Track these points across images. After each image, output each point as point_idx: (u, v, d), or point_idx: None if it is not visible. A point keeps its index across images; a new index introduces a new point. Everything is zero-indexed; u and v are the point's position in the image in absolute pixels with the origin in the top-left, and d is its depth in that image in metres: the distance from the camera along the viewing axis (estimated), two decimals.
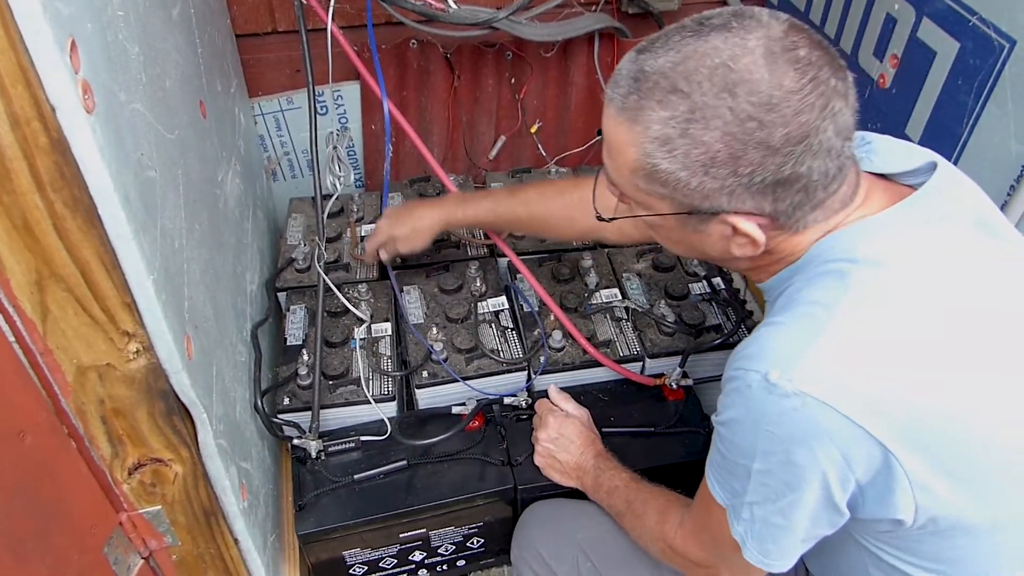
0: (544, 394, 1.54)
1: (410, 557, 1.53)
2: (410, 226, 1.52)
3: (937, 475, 0.81)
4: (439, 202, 1.52)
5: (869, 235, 0.85)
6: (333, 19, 1.43)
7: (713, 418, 0.93)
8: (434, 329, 1.55)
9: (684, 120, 0.78)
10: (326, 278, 1.50)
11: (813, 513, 0.86)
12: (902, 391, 0.79)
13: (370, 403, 1.47)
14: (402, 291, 1.67)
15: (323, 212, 1.50)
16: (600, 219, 0.99)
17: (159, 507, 1.04)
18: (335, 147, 1.55)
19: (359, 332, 1.56)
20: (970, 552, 0.89)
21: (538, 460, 1.42)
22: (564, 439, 1.40)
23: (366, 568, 1.51)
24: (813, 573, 1.18)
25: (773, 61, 0.76)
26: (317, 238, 1.53)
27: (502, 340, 1.58)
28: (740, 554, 0.93)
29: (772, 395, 0.80)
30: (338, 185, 1.61)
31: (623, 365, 1.55)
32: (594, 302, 1.65)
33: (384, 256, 1.58)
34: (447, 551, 1.55)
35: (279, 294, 1.69)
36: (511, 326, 1.61)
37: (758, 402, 0.82)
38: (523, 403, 1.53)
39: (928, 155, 0.94)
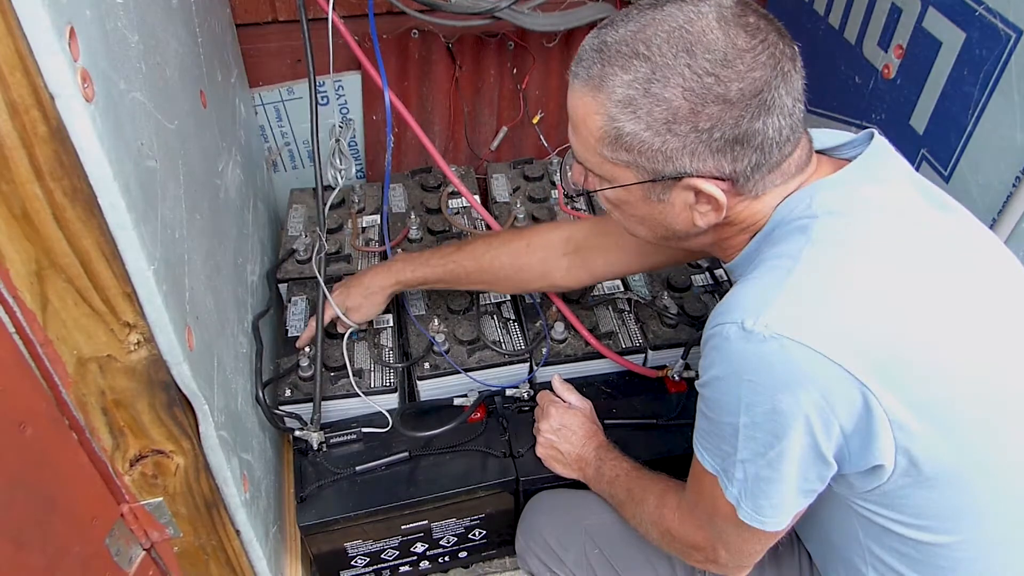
0: (546, 386, 1.53)
1: (412, 549, 1.53)
2: (361, 296, 1.50)
3: (910, 410, 0.82)
4: (387, 266, 1.49)
5: (823, 191, 0.89)
6: (334, 8, 1.42)
7: (696, 384, 0.95)
8: (436, 321, 1.55)
9: (645, 80, 0.83)
10: (323, 284, 1.49)
11: (801, 463, 0.87)
12: (871, 326, 0.82)
13: (372, 395, 1.47)
14: None
15: (324, 203, 1.49)
16: (568, 196, 1.04)
17: (160, 498, 1.04)
18: (337, 140, 1.54)
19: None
20: (958, 505, 0.89)
21: (540, 451, 1.42)
22: (566, 430, 1.39)
23: (368, 559, 1.50)
24: (807, 546, 1.19)
25: (726, 24, 0.82)
26: (318, 229, 1.52)
27: (504, 332, 1.57)
28: (735, 523, 0.95)
29: (750, 343, 0.82)
30: (340, 179, 1.60)
31: (625, 357, 1.55)
32: (596, 294, 1.65)
33: (340, 329, 1.54)
34: (449, 543, 1.55)
35: (280, 285, 1.69)
36: (513, 317, 1.60)
37: (737, 352, 0.84)
38: (525, 395, 1.53)
39: (863, 132, 0.99)
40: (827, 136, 1.00)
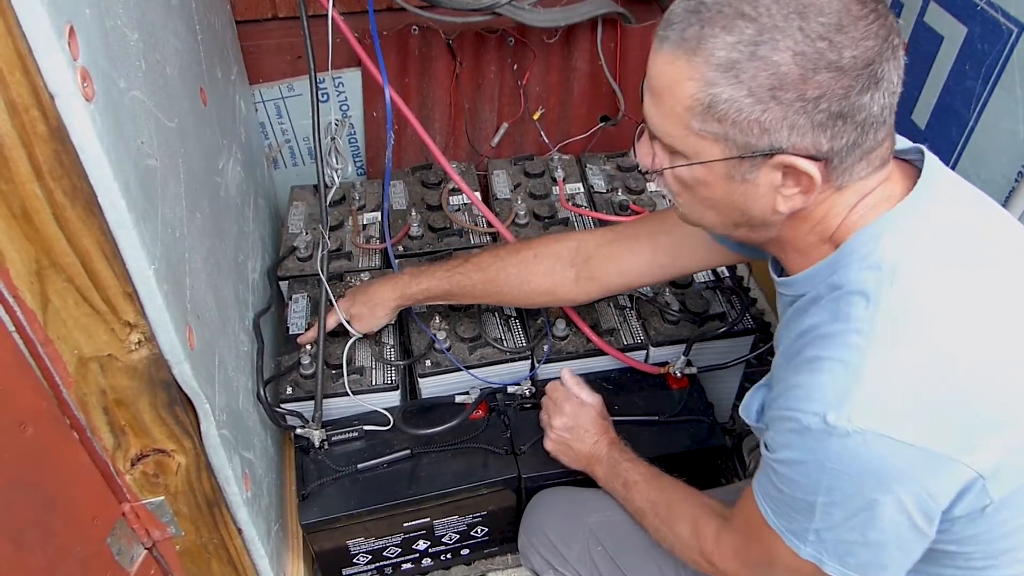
0: (548, 382, 1.53)
1: (414, 546, 1.53)
2: (365, 306, 1.48)
3: (1006, 462, 0.79)
4: (393, 279, 1.47)
5: (889, 232, 0.84)
6: (334, 5, 1.41)
7: (765, 453, 0.91)
8: (437, 318, 1.55)
9: (751, 43, 0.76)
10: (324, 281, 1.49)
11: (893, 532, 0.84)
12: (955, 395, 0.79)
13: (373, 392, 1.47)
14: None
15: (326, 200, 1.49)
16: (641, 173, 0.97)
17: (162, 497, 1.04)
18: (334, 138, 1.54)
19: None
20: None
21: (550, 446, 1.41)
22: (579, 428, 1.38)
23: (370, 557, 1.50)
24: None
25: None
26: (320, 226, 1.52)
27: (505, 329, 1.57)
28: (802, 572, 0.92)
29: (834, 436, 0.79)
30: (336, 177, 1.59)
31: (627, 353, 1.54)
32: None
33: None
34: (451, 540, 1.55)
35: (281, 283, 1.69)
36: (514, 315, 1.60)
37: (821, 444, 0.81)
38: (527, 392, 1.53)
39: (904, 140, 0.94)
40: None
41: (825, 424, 0.79)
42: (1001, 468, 0.79)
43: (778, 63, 0.76)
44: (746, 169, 0.83)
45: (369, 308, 1.47)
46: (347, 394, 1.46)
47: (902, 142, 0.93)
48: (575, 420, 1.38)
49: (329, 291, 1.44)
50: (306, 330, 1.56)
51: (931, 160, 0.90)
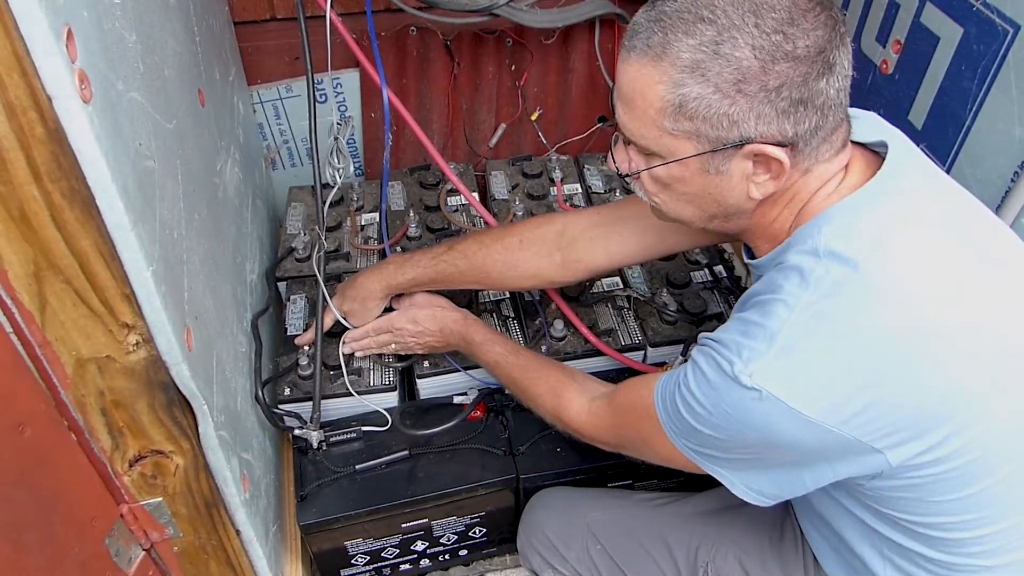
0: None
1: (412, 547, 1.53)
2: (357, 300, 1.47)
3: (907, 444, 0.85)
4: (378, 271, 1.47)
5: (831, 223, 0.89)
6: (332, 6, 1.41)
7: (684, 365, 0.97)
8: None
9: (712, 43, 0.82)
10: (322, 282, 1.49)
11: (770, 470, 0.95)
12: (858, 374, 0.83)
13: (371, 393, 1.47)
14: None
15: (324, 201, 1.49)
16: (619, 175, 1.01)
17: (160, 499, 1.04)
18: (336, 138, 1.54)
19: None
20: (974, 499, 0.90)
21: (422, 350, 1.48)
22: (439, 313, 1.45)
23: (368, 558, 1.51)
24: (805, 532, 1.21)
25: None
26: (318, 227, 1.52)
27: (503, 329, 1.57)
28: (657, 454, 1.05)
29: (736, 385, 0.86)
30: (338, 177, 1.59)
31: (625, 354, 1.54)
32: (595, 291, 1.65)
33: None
34: (449, 541, 1.55)
35: (279, 283, 1.69)
36: (512, 315, 1.60)
37: (726, 387, 0.87)
38: None
39: (878, 132, 0.99)
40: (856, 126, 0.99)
41: (733, 372, 0.86)
42: (905, 464, 0.86)
43: (740, 58, 0.82)
44: (719, 161, 0.89)
45: (360, 303, 1.47)
46: (345, 395, 1.46)
47: (872, 133, 0.99)
48: (432, 315, 1.45)
49: (326, 292, 1.45)
50: (303, 332, 1.56)
51: (895, 153, 0.94)
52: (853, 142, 0.96)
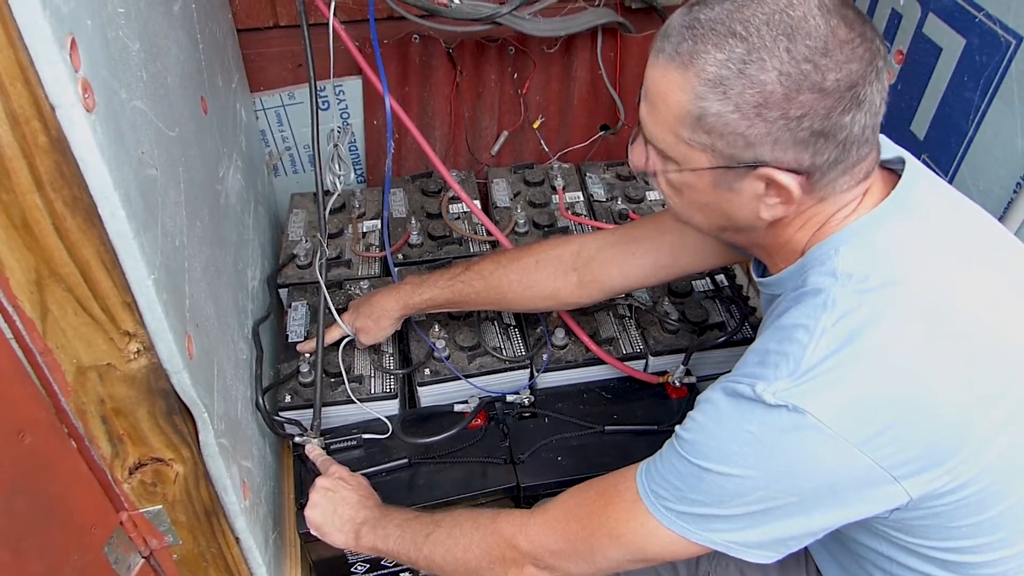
0: (548, 391, 1.54)
1: None
2: (371, 318, 1.47)
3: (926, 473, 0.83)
4: (396, 289, 1.47)
5: (847, 244, 0.88)
6: (335, 14, 1.42)
7: (677, 430, 0.93)
8: (436, 326, 1.55)
9: (740, 61, 0.80)
10: (324, 287, 1.49)
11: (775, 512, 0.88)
12: (878, 398, 0.82)
13: (372, 401, 1.46)
14: None
15: (325, 208, 1.49)
16: (634, 177, 1.01)
17: (160, 506, 1.04)
18: (336, 145, 1.54)
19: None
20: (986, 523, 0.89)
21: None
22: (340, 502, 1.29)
23: (367, 566, 1.50)
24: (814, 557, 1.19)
25: (827, 13, 0.80)
26: (319, 234, 1.52)
27: (504, 338, 1.57)
28: (622, 549, 0.97)
29: (759, 404, 0.83)
30: (338, 184, 1.60)
31: (626, 363, 1.54)
32: None
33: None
34: None
35: (280, 290, 1.69)
36: (513, 323, 1.60)
37: (747, 407, 0.85)
38: (525, 401, 1.52)
39: (893, 149, 0.98)
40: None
41: (755, 393, 0.83)
42: (928, 494, 0.83)
43: (764, 82, 0.79)
44: (731, 178, 0.87)
45: (374, 320, 1.46)
46: (346, 402, 1.46)
47: (888, 151, 0.96)
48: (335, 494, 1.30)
49: (328, 298, 1.44)
50: (305, 338, 1.56)
51: (911, 171, 0.93)
52: None
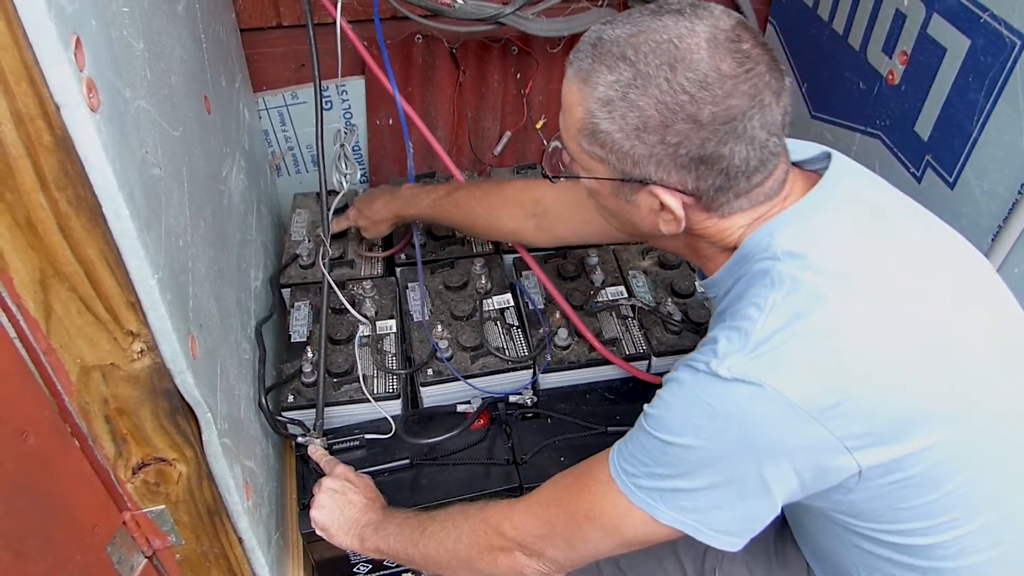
0: (550, 391, 1.54)
1: None
2: (371, 220, 1.65)
3: (871, 440, 0.85)
4: (393, 198, 1.63)
5: (782, 229, 0.91)
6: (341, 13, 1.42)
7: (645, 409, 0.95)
8: (439, 326, 1.54)
9: (626, 85, 0.85)
10: (330, 280, 1.49)
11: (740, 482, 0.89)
12: (830, 370, 0.84)
13: (375, 401, 1.46)
14: (407, 288, 1.66)
15: (329, 208, 1.49)
16: (545, 176, 1.08)
17: (163, 506, 1.04)
18: (343, 145, 1.55)
19: (363, 330, 1.55)
20: (938, 504, 0.91)
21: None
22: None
23: (370, 567, 1.50)
24: (804, 553, 1.20)
25: (715, 47, 0.83)
26: (322, 234, 1.52)
27: (507, 338, 1.57)
28: (599, 529, 0.98)
29: (716, 379, 0.85)
30: (344, 183, 1.62)
31: (629, 363, 1.54)
32: (600, 300, 1.64)
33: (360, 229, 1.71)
34: None
35: (283, 290, 1.69)
36: (516, 323, 1.60)
37: (704, 383, 0.87)
38: (528, 401, 1.52)
39: (819, 146, 1.02)
40: (795, 146, 1.02)
41: (708, 369, 0.86)
42: (874, 467, 0.86)
43: (643, 108, 0.84)
44: (627, 191, 0.93)
45: (373, 223, 1.66)
46: (349, 402, 1.46)
47: (809, 151, 1.01)
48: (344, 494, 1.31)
49: (333, 284, 1.44)
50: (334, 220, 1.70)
51: (836, 167, 0.96)
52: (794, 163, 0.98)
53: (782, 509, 0.92)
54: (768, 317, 0.85)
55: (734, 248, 0.96)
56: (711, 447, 0.87)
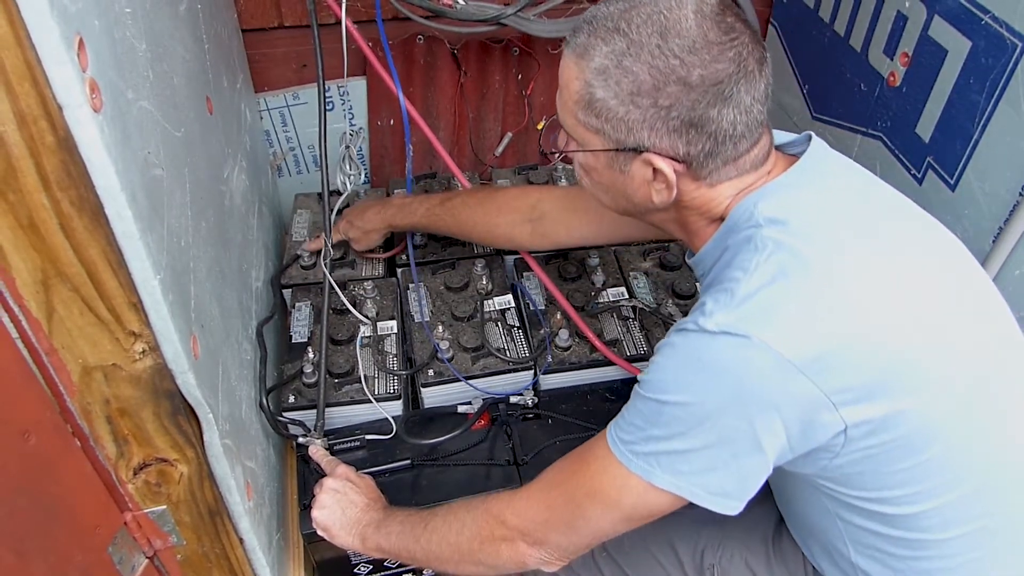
0: (551, 392, 1.54)
1: None
2: (362, 231, 1.65)
3: (856, 396, 0.87)
4: (384, 207, 1.63)
5: (765, 199, 0.96)
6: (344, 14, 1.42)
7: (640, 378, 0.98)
8: (440, 327, 1.55)
9: (620, 54, 0.91)
10: (331, 280, 1.49)
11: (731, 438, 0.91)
12: (815, 323, 0.87)
13: (376, 402, 1.46)
14: (408, 288, 1.66)
15: (331, 208, 1.49)
16: (542, 153, 1.11)
17: (164, 507, 1.04)
18: (348, 146, 1.55)
19: (364, 330, 1.55)
20: (916, 473, 0.93)
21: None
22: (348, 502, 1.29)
23: (371, 567, 1.50)
24: (793, 534, 1.21)
25: (702, 17, 0.90)
26: (323, 234, 1.52)
27: (508, 339, 1.57)
28: (600, 505, 0.99)
29: (705, 334, 0.89)
30: (348, 184, 1.62)
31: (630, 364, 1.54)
32: (601, 301, 1.64)
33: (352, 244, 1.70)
34: None
35: (284, 291, 1.69)
36: (517, 324, 1.60)
37: (695, 340, 0.90)
38: (529, 402, 1.52)
39: (802, 134, 1.07)
40: (776, 134, 1.06)
41: (697, 326, 0.90)
42: (860, 423, 0.88)
43: (637, 72, 0.90)
44: (622, 162, 0.98)
45: (364, 233, 1.65)
46: (350, 403, 1.46)
47: (790, 137, 1.06)
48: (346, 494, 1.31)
49: (335, 284, 1.44)
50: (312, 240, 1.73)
51: (814, 148, 1.02)
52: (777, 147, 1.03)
53: (775, 503, 0.93)
54: (752, 276, 0.90)
55: (721, 219, 1.00)
56: (704, 402, 0.90)
